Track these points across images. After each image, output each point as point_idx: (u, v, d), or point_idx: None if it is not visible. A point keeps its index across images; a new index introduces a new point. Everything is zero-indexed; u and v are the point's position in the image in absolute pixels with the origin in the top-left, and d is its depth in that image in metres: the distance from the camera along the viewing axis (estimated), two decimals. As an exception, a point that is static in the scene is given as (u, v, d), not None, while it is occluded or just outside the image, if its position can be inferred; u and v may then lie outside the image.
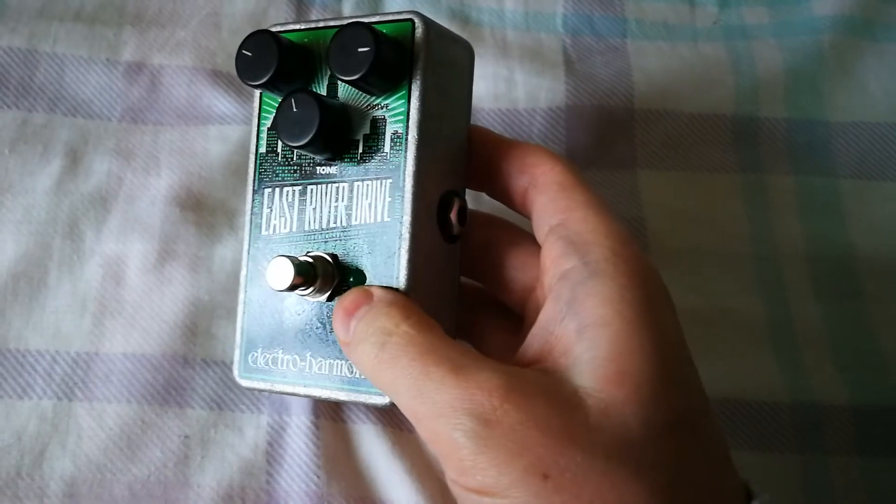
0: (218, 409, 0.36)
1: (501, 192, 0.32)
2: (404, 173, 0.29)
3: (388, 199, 0.29)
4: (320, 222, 0.30)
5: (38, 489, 0.34)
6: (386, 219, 0.29)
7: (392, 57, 0.28)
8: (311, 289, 0.29)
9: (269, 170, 0.32)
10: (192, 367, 0.36)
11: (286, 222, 0.31)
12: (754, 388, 0.38)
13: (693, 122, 0.44)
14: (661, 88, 0.45)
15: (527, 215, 0.32)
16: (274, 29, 0.31)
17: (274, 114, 0.30)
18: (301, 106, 0.28)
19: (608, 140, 0.43)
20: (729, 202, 0.43)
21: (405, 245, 0.28)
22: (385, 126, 0.29)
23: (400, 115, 0.29)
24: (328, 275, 0.29)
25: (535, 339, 0.27)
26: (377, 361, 0.26)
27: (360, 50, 0.27)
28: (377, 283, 0.29)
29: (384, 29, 0.29)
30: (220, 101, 0.42)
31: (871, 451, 0.37)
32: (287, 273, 0.28)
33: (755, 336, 0.40)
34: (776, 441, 0.37)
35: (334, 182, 0.30)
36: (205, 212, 0.39)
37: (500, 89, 0.44)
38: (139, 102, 0.42)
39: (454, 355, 0.25)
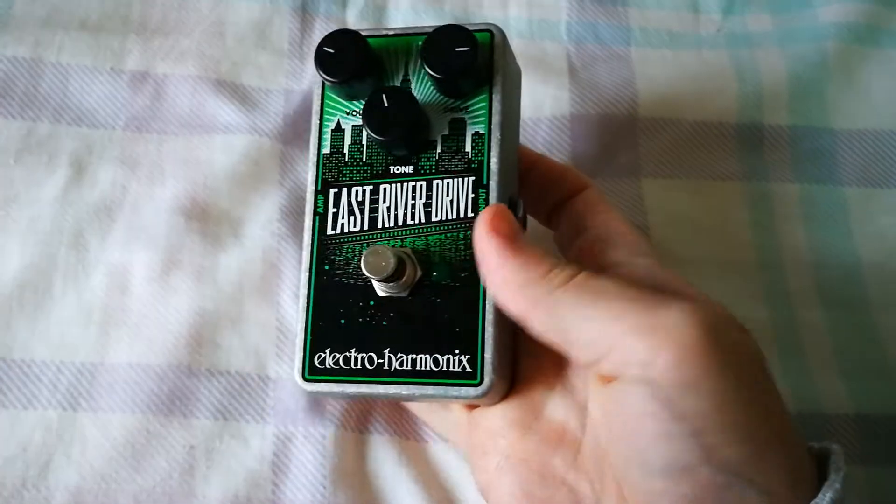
0: (223, 420, 0.36)
1: (531, 202, 0.34)
2: (488, 171, 0.30)
3: (471, 196, 0.30)
4: (395, 220, 0.31)
5: (43, 500, 0.34)
6: (470, 214, 0.30)
7: (482, 60, 0.30)
8: (399, 282, 0.30)
9: (335, 170, 0.32)
10: (197, 377, 0.36)
11: (356, 221, 0.31)
12: (759, 396, 0.38)
13: (697, 130, 0.44)
14: (665, 96, 0.45)
15: (550, 226, 0.35)
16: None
17: (363, 108, 0.31)
18: (393, 101, 0.30)
19: (612, 148, 0.43)
20: (733, 210, 0.43)
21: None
22: (466, 127, 0.31)
23: (481, 118, 0.31)
24: (413, 269, 0.30)
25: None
26: (563, 284, 0.26)
27: (458, 49, 0.29)
28: (459, 277, 0.30)
29: None
30: (225, 110, 0.42)
31: (876, 460, 0.37)
32: (388, 262, 0.29)
33: (760, 344, 0.39)
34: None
35: (411, 180, 0.31)
36: (210, 221, 0.39)
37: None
38: (143, 111, 0.42)
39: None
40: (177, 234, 0.39)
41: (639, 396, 0.25)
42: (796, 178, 0.44)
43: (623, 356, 0.25)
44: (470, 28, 0.31)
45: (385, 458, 0.36)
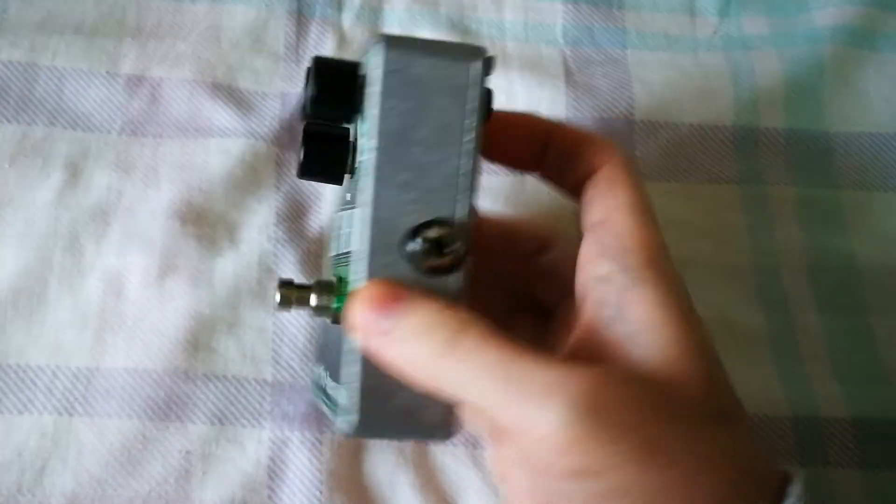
0: (219, 424, 0.36)
1: (553, 177, 0.32)
2: (365, 200, 0.28)
3: (357, 227, 0.28)
4: (340, 248, 0.31)
5: (38, 505, 0.34)
6: (356, 247, 0.28)
7: (337, 85, 0.29)
8: (307, 309, 0.29)
9: (340, 196, 0.33)
10: (194, 382, 0.36)
11: (335, 246, 0.32)
12: (755, 400, 0.38)
13: (693, 133, 0.44)
14: (662, 99, 0.45)
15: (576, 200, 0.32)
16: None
17: None
18: (303, 140, 0.30)
19: (609, 152, 0.43)
20: (729, 213, 0.43)
21: (363, 279, 0.28)
22: (358, 154, 0.29)
23: (365, 142, 0.29)
24: (326, 300, 0.29)
25: (582, 343, 0.27)
26: (444, 353, 0.25)
27: (308, 84, 0.29)
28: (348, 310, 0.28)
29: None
30: (220, 114, 0.42)
31: (873, 464, 0.37)
32: (276, 293, 0.29)
33: (756, 348, 0.40)
34: (778, 454, 0.37)
35: (348, 209, 0.31)
36: (205, 225, 0.39)
37: (499, 101, 0.44)
38: (139, 115, 0.42)
39: (535, 351, 0.25)
40: (172, 239, 0.39)
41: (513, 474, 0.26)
42: (792, 181, 0.44)
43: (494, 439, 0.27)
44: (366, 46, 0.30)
45: (382, 463, 0.36)
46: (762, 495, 0.25)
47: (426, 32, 0.45)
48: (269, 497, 0.35)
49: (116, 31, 0.44)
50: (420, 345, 0.25)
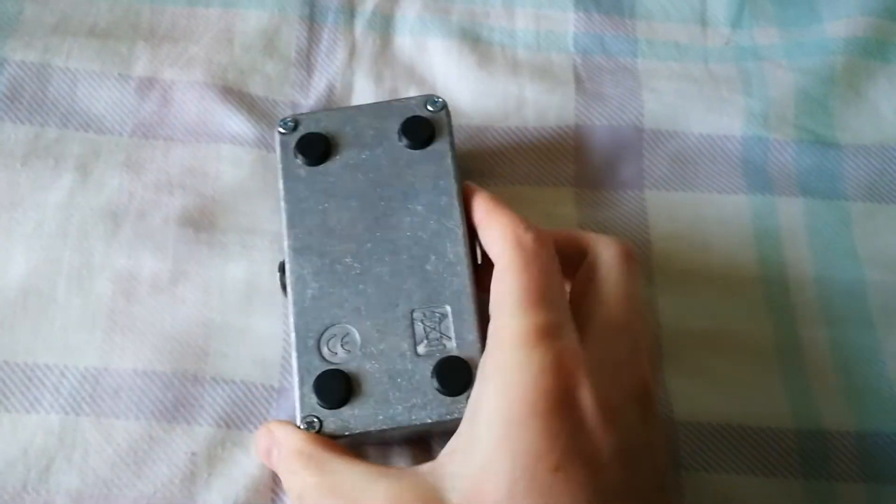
0: (226, 427, 0.36)
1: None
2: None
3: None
4: None
5: (43, 503, 0.34)
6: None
7: None
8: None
9: None
10: (202, 385, 0.37)
11: None
12: (760, 412, 0.38)
13: (702, 143, 0.44)
14: (671, 108, 0.45)
15: None
16: None
17: None
18: None
19: (617, 159, 0.43)
20: (737, 224, 0.43)
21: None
22: None
23: None
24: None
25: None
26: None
27: None
28: None
29: None
30: (232, 119, 0.42)
31: (877, 478, 0.37)
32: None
33: (762, 360, 0.39)
34: (781, 467, 0.37)
35: None
36: (216, 231, 0.40)
37: (509, 107, 0.44)
38: (150, 117, 0.42)
39: (347, 490, 0.29)
40: (184, 244, 0.39)
41: None
42: (801, 192, 0.43)
43: None
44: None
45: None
46: None
47: (438, 40, 0.46)
48: (273, 500, 0.35)
49: (129, 33, 0.44)
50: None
